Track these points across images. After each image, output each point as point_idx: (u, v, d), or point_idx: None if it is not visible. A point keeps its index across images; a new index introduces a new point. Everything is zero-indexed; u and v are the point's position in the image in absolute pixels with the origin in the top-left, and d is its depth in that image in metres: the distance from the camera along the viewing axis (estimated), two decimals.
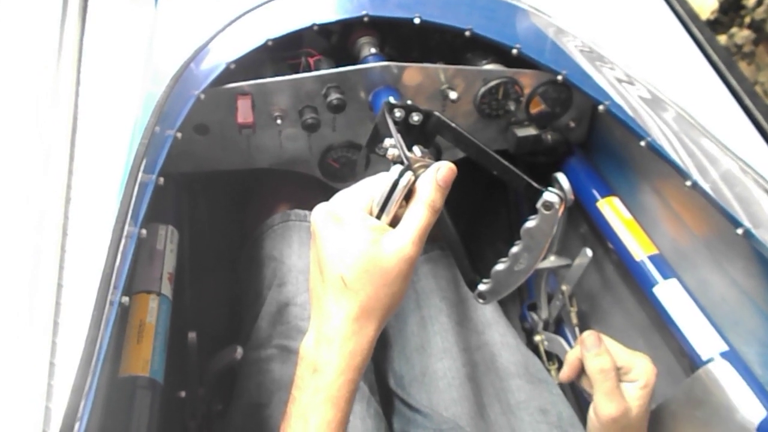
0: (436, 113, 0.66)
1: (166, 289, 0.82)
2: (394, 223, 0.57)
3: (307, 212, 1.04)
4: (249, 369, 0.87)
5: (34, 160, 0.86)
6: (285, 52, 1.03)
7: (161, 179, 0.78)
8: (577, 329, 1.10)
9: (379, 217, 0.56)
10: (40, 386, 0.61)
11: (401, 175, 0.56)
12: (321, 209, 0.58)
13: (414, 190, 0.57)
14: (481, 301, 0.61)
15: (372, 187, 0.58)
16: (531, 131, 1.05)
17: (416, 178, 0.57)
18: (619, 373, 0.72)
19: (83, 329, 0.58)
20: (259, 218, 1.07)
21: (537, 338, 1.14)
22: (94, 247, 0.67)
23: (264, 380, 0.84)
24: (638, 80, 0.93)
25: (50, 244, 0.75)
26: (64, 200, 0.81)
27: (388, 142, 0.61)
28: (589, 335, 0.73)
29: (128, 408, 0.69)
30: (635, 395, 0.71)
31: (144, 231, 0.72)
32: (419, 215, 0.55)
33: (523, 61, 0.98)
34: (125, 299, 0.65)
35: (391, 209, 0.56)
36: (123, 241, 0.65)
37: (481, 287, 0.61)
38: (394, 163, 0.58)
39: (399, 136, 0.61)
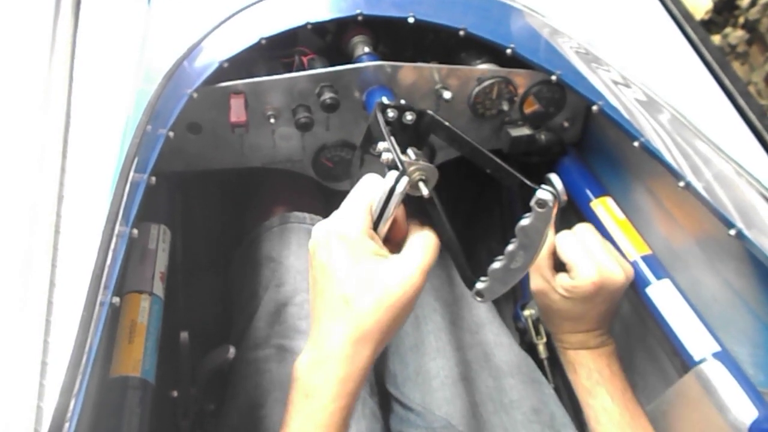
0: (430, 112, 0.65)
1: (158, 288, 0.81)
2: (391, 227, 0.57)
3: (306, 215, 1.04)
4: (246, 369, 0.86)
5: (27, 158, 0.86)
6: (278, 51, 1.02)
7: (153, 178, 0.78)
8: None
9: (376, 225, 0.56)
10: (31, 385, 0.60)
11: (397, 181, 0.55)
12: (323, 228, 0.57)
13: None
14: (479, 299, 0.61)
15: (370, 198, 0.57)
16: (525, 131, 1.04)
17: (412, 181, 0.57)
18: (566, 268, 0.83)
19: (75, 329, 0.58)
20: (256, 219, 1.06)
21: (526, 313, 1.11)
22: (87, 246, 0.67)
23: (261, 380, 0.84)
24: (634, 82, 0.93)
25: (43, 243, 0.74)
26: (56, 198, 0.81)
27: (381, 145, 0.61)
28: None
29: (119, 408, 0.68)
30: (563, 284, 0.83)
31: (135, 231, 0.72)
32: (429, 243, 0.55)
33: (517, 61, 0.98)
34: (116, 300, 0.64)
35: (389, 216, 0.56)
36: (114, 240, 0.65)
37: (479, 285, 0.61)
38: (389, 168, 0.58)
39: (392, 139, 0.60)
